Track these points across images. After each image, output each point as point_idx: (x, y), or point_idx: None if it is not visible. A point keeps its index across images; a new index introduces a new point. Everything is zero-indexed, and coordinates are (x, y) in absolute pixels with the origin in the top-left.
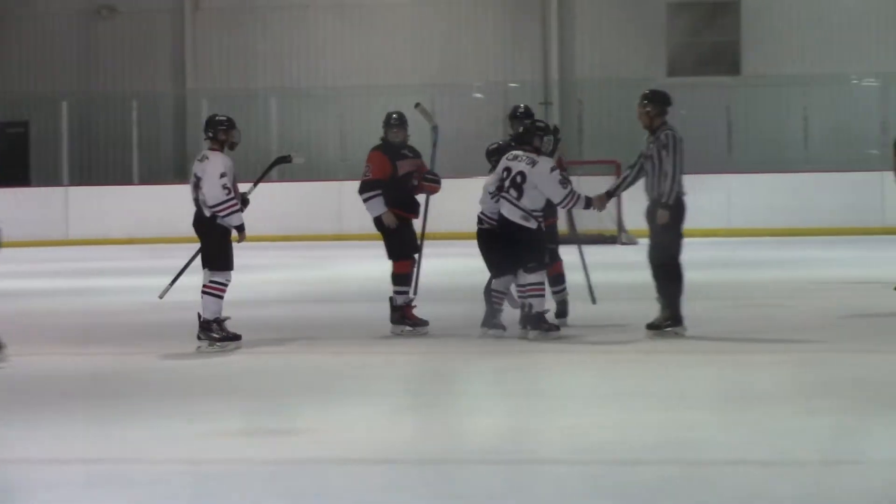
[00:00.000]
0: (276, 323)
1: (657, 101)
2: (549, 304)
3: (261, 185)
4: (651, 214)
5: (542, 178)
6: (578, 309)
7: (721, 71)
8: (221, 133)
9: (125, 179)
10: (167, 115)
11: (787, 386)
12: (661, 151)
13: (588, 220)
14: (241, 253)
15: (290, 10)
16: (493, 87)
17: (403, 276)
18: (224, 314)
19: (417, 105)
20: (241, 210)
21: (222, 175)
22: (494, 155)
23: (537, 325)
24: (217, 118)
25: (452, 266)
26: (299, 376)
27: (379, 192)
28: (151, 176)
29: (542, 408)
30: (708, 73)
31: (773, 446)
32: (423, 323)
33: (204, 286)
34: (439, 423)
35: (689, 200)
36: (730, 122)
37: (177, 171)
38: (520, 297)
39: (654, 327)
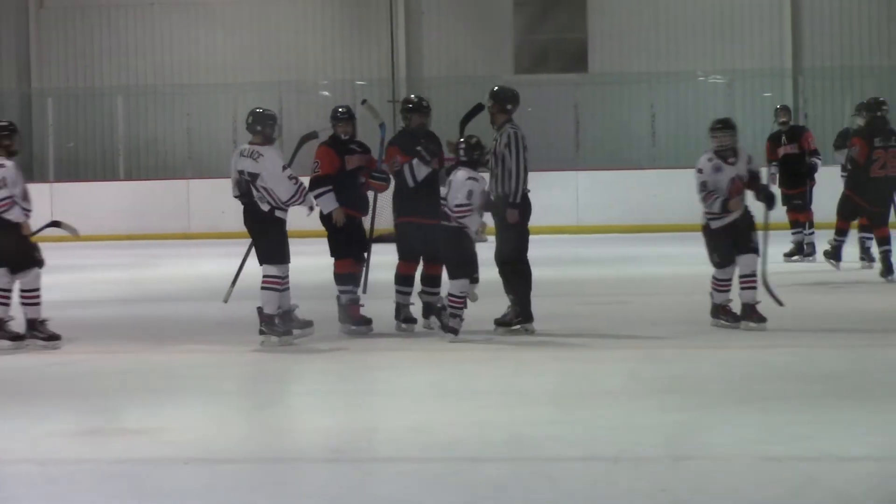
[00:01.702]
0: (117, 323)
1: (501, 99)
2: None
3: (108, 183)
4: (498, 213)
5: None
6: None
7: (568, 68)
8: (268, 127)
9: None
10: (12, 114)
11: (636, 382)
12: (503, 150)
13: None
14: (84, 252)
15: (135, 7)
16: (341, 85)
17: (343, 275)
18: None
19: (364, 102)
20: None
21: (285, 167)
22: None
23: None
24: (267, 112)
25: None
26: (142, 376)
27: (330, 187)
28: None
29: (386, 406)
30: (555, 70)
31: (621, 442)
32: (366, 321)
33: (263, 281)
34: (283, 421)
35: (537, 198)
36: (577, 119)
37: (24, 168)
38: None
39: (504, 324)
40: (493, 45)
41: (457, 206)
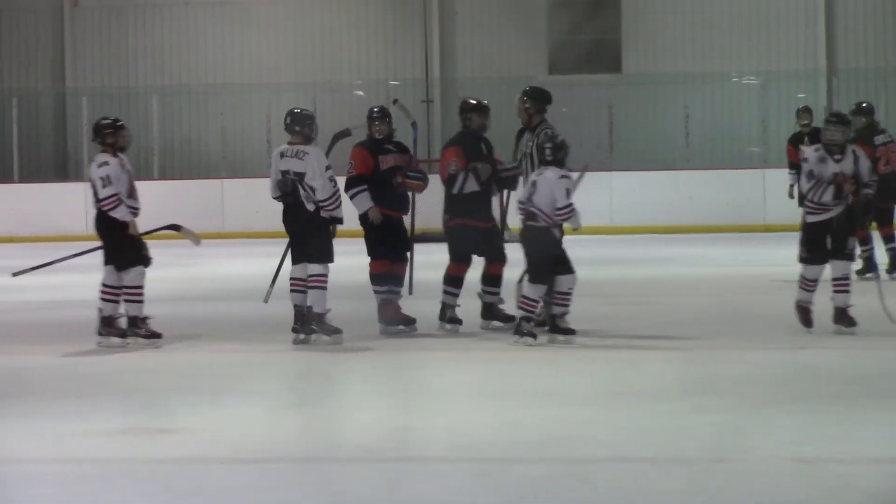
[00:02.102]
0: (155, 322)
1: (536, 98)
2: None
3: (142, 182)
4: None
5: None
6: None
7: (602, 69)
8: (307, 127)
9: (5, 177)
10: (47, 114)
11: (672, 383)
12: (536, 149)
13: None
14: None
15: (170, 7)
16: (375, 86)
17: (378, 275)
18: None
19: (395, 101)
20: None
21: (328, 168)
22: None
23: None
24: (305, 112)
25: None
26: (180, 375)
27: (364, 187)
28: (31, 174)
29: (424, 406)
30: (589, 70)
31: (657, 444)
32: (408, 321)
33: (311, 280)
34: (321, 421)
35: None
36: (611, 119)
37: (57, 169)
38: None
39: (540, 324)
40: (528, 46)
41: (559, 208)
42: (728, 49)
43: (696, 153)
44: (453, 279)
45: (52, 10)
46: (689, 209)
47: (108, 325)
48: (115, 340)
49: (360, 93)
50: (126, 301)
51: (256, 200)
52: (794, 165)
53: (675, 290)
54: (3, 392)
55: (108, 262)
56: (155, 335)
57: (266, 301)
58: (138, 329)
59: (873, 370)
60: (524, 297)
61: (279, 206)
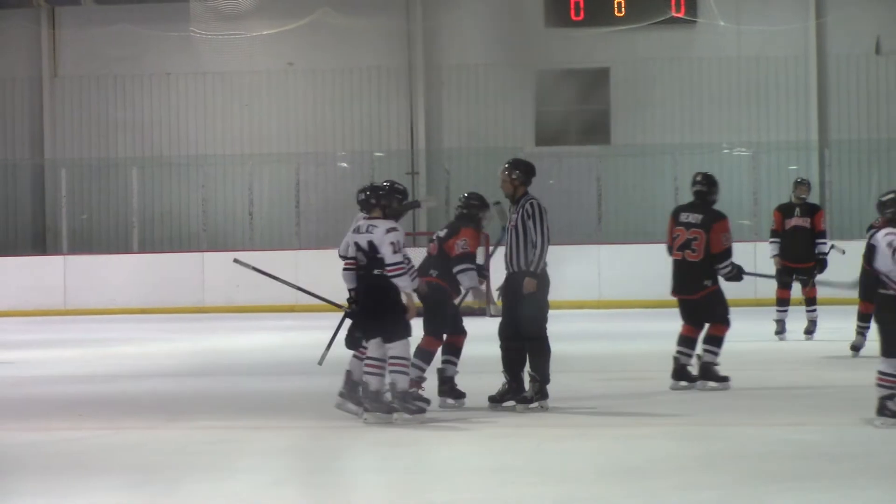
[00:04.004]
0: (136, 397)
1: (525, 170)
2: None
3: (122, 255)
4: (512, 287)
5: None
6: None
7: (591, 140)
8: (384, 199)
9: None
10: (25, 185)
11: (660, 459)
12: (526, 221)
13: None
14: (96, 326)
15: (151, 77)
16: (359, 157)
17: (428, 352)
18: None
19: (497, 203)
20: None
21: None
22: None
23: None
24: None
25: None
26: (165, 452)
27: (474, 266)
28: (9, 247)
29: (417, 484)
30: (577, 141)
31: None
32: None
33: (391, 363)
34: (313, 500)
35: (558, 272)
36: (599, 191)
37: (35, 241)
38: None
39: (524, 401)
40: (515, 117)
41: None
42: (718, 120)
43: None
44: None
45: (31, 80)
46: None
47: (376, 399)
48: (382, 416)
49: (345, 164)
50: (393, 373)
51: (237, 274)
52: (778, 234)
53: (666, 365)
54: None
55: (375, 333)
56: (421, 410)
57: (321, 364)
58: (409, 404)
59: (873, 448)
60: (882, 373)
61: (261, 280)
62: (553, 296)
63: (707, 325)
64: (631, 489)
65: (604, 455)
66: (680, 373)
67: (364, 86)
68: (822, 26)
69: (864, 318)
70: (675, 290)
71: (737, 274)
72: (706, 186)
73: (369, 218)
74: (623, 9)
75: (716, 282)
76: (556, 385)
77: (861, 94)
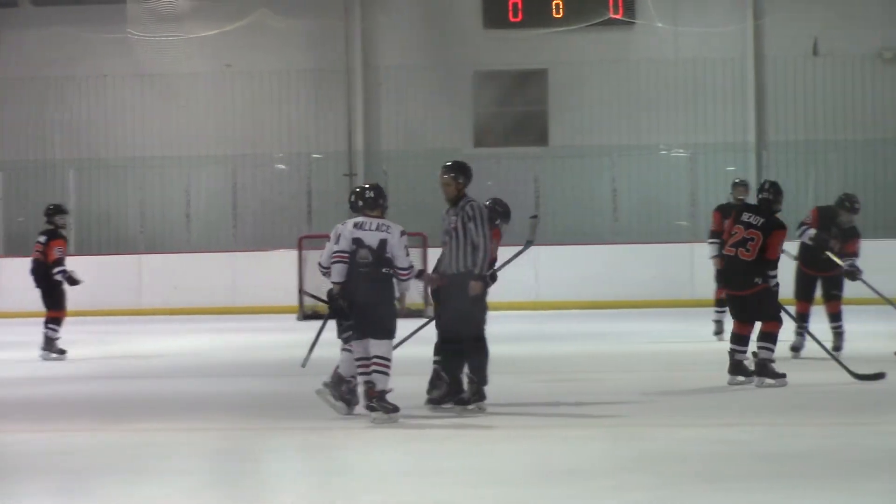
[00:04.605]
0: (70, 400)
1: (467, 173)
2: None
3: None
4: (453, 289)
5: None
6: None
7: (529, 141)
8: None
9: None
10: None
11: (597, 460)
12: (468, 224)
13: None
14: (28, 329)
15: (87, 79)
16: (297, 159)
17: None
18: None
19: (535, 217)
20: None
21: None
22: None
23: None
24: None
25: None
26: (102, 454)
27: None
28: None
29: (347, 486)
30: (515, 143)
31: None
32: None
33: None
34: (242, 502)
35: (499, 273)
36: (538, 192)
37: None
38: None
39: (462, 402)
40: (453, 119)
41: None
42: (656, 121)
43: (623, 227)
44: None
45: None
46: (618, 284)
47: (382, 398)
48: (383, 416)
49: (282, 166)
50: (375, 372)
51: (175, 276)
52: (717, 234)
53: (604, 366)
54: None
55: (369, 330)
56: (396, 409)
57: (304, 366)
58: (385, 403)
59: (805, 448)
60: None
61: (198, 282)
62: (491, 297)
63: (759, 323)
64: (566, 490)
65: (540, 456)
66: (736, 368)
67: (302, 87)
68: (759, 28)
69: (801, 318)
70: (726, 286)
71: (853, 271)
72: (772, 195)
73: (371, 216)
74: (561, 10)
75: (766, 280)
76: (494, 386)
77: (798, 95)
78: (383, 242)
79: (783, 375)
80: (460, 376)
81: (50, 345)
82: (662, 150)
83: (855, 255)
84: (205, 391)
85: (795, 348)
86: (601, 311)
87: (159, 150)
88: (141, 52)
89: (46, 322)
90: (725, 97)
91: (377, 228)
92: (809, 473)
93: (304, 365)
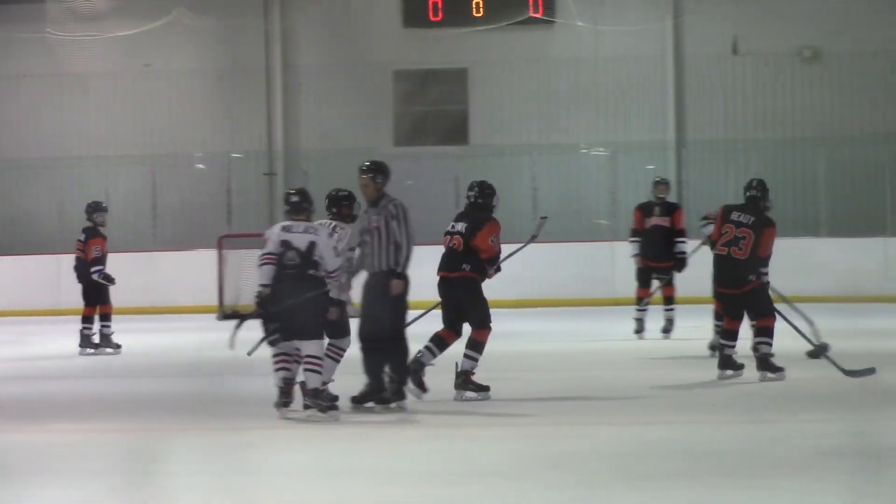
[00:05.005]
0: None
1: (385, 172)
2: None
3: None
4: (374, 287)
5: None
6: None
7: (449, 140)
8: (345, 208)
9: None
10: None
11: (520, 460)
12: (390, 222)
13: None
14: None
15: (7, 79)
16: (216, 158)
17: (483, 343)
18: None
19: (545, 217)
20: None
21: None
22: None
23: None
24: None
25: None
26: (7, 455)
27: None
28: None
29: (255, 486)
30: (435, 142)
31: None
32: (486, 388)
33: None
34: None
35: (419, 272)
36: (458, 191)
37: None
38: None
39: (383, 401)
40: (373, 117)
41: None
42: (576, 120)
43: (544, 225)
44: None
45: None
46: (537, 283)
47: (315, 396)
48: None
49: (201, 166)
50: (307, 371)
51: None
52: (638, 233)
53: (524, 365)
54: None
55: (299, 332)
56: (334, 407)
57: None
58: (321, 401)
59: (722, 446)
60: None
61: (117, 282)
62: (413, 296)
63: (755, 319)
64: (485, 490)
65: (459, 455)
66: (726, 362)
67: (221, 86)
68: (679, 26)
69: (719, 317)
70: (721, 284)
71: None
72: (760, 192)
73: (298, 220)
74: (481, 9)
75: (759, 277)
76: (413, 385)
77: (718, 93)
78: (312, 245)
79: (782, 369)
80: (381, 375)
81: (107, 341)
82: (582, 149)
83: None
84: (119, 392)
85: (713, 347)
86: (522, 310)
87: (77, 150)
88: (60, 52)
89: (84, 319)
90: (645, 96)
91: (305, 231)
92: (729, 471)
93: (250, 353)
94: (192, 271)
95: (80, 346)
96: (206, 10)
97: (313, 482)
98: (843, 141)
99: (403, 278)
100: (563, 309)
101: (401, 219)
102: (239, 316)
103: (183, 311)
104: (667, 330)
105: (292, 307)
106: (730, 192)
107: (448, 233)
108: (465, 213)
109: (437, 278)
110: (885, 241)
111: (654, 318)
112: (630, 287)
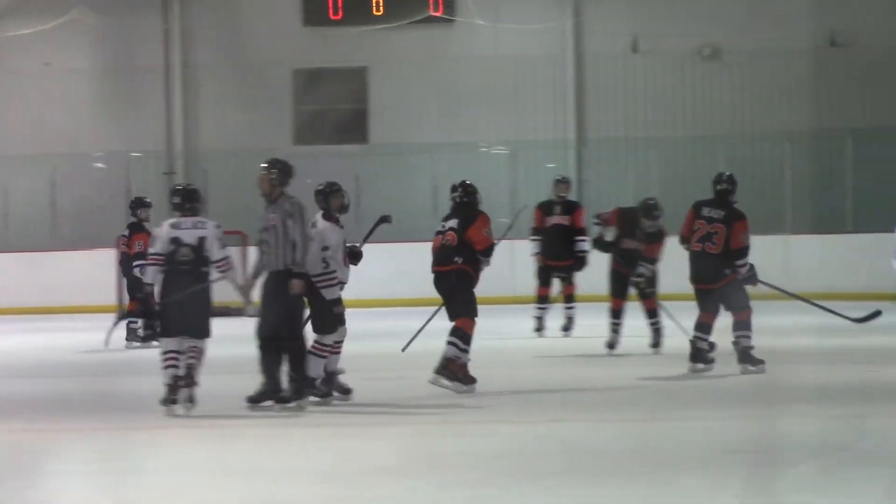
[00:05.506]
0: None
1: (282, 170)
2: None
3: None
4: (273, 286)
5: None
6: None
7: (349, 139)
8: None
9: None
10: None
11: (421, 458)
12: (287, 221)
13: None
14: None
15: None
16: (115, 157)
17: (471, 336)
18: None
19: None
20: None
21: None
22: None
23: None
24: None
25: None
26: None
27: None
28: None
29: (146, 486)
30: (335, 141)
31: None
32: (473, 381)
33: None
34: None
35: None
36: (358, 191)
37: None
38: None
39: (282, 401)
40: (272, 116)
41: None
42: (477, 119)
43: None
44: None
45: None
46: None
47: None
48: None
49: (101, 165)
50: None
51: None
52: (538, 231)
53: (424, 363)
54: None
55: (190, 329)
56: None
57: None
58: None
59: (622, 444)
60: None
61: (16, 282)
62: (309, 296)
63: (732, 313)
64: (378, 489)
65: (355, 455)
66: (697, 356)
67: (121, 85)
68: (579, 25)
69: (616, 315)
70: (697, 280)
71: (753, 275)
72: (731, 186)
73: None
74: (381, 8)
75: (735, 271)
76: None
77: (618, 92)
78: (202, 239)
79: (763, 362)
80: (279, 375)
81: (133, 335)
82: (483, 148)
83: (655, 259)
84: (14, 392)
85: (611, 345)
86: (421, 308)
87: None
88: None
89: (131, 313)
90: (545, 94)
91: (194, 226)
92: (629, 469)
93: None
94: (92, 271)
95: (127, 339)
96: (105, 8)
97: (206, 482)
98: (742, 139)
99: (302, 277)
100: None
101: (297, 217)
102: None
103: (82, 311)
104: (567, 328)
105: (179, 303)
106: (630, 191)
107: (439, 232)
108: (454, 211)
109: (432, 275)
110: (785, 239)
111: (555, 317)
112: (530, 285)
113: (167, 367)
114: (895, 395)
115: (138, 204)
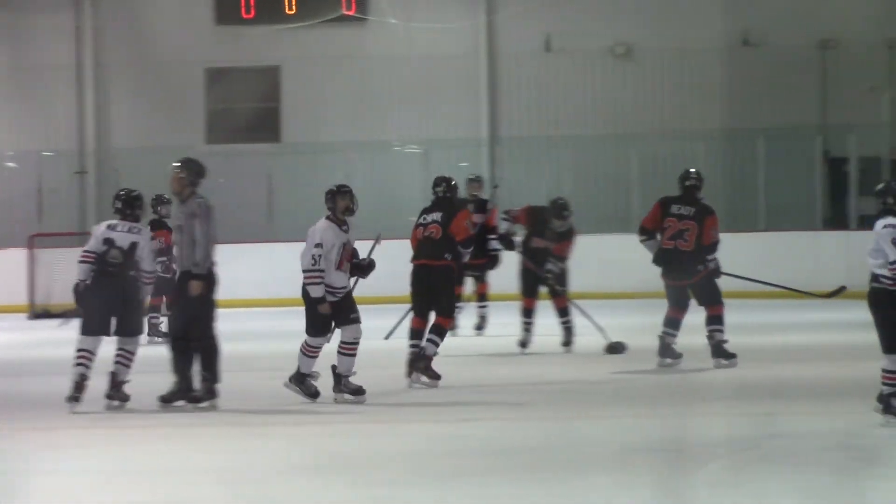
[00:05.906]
0: None
1: (193, 169)
2: None
3: None
4: (182, 286)
5: None
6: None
7: (261, 138)
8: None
9: None
10: None
11: (336, 457)
12: (191, 220)
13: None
14: None
15: None
16: (26, 157)
17: (447, 331)
18: None
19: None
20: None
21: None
22: None
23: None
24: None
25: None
26: None
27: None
28: None
29: (64, 488)
30: (248, 140)
31: None
32: (438, 377)
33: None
34: None
35: (230, 270)
36: (270, 189)
37: None
38: None
39: (194, 400)
40: (184, 115)
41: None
42: (390, 117)
43: (358, 223)
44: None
45: None
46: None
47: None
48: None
49: (12, 164)
50: (119, 364)
51: None
52: None
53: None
54: None
55: (120, 328)
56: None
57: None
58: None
59: (532, 443)
60: (885, 371)
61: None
62: (224, 294)
63: (705, 307)
64: (289, 488)
65: (268, 454)
66: (665, 350)
67: (32, 84)
68: (492, 24)
69: (527, 313)
70: (670, 277)
71: (717, 268)
72: (699, 182)
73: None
74: (294, 6)
75: (706, 266)
76: (231, 385)
77: (531, 91)
78: (134, 245)
79: (734, 356)
80: (190, 374)
81: (155, 330)
82: (396, 147)
83: (564, 257)
84: None
85: (523, 343)
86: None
87: None
88: None
89: (151, 308)
90: (458, 93)
91: (129, 231)
92: (538, 468)
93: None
94: (3, 270)
95: (149, 334)
96: (16, 6)
97: (115, 482)
98: (655, 137)
99: (202, 278)
100: (374, 307)
101: (202, 217)
102: (52, 315)
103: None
104: (479, 327)
105: (112, 304)
106: (543, 190)
107: (421, 224)
108: (435, 205)
109: (414, 266)
110: None
111: (467, 316)
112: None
113: (77, 364)
114: (808, 394)
115: (159, 201)
